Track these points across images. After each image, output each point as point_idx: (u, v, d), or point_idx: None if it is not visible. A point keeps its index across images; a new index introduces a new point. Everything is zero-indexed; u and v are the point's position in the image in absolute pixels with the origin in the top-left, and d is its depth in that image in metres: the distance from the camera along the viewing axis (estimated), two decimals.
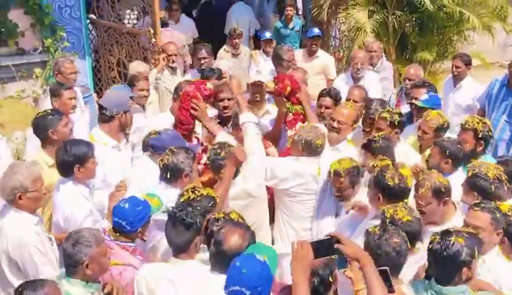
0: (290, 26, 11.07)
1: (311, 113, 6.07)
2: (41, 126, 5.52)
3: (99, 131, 5.86)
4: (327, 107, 6.49)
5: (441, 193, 4.56)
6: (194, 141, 5.83)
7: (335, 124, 5.96)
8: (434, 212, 4.58)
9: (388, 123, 5.82)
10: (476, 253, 3.58)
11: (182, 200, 4.34)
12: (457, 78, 8.17)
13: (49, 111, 5.72)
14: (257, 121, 5.69)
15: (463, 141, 5.60)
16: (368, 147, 5.39)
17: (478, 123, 5.69)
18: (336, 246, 3.15)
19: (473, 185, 4.77)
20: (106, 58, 9.91)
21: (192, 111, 5.60)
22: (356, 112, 6.25)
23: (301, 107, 6.10)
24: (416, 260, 4.13)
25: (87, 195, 5.01)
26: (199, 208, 4.13)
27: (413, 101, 6.58)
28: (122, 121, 5.85)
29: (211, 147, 5.29)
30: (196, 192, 4.37)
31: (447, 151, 5.31)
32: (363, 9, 10.43)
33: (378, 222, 4.29)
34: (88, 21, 10.02)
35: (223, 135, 5.49)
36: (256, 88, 6.68)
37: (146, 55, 9.27)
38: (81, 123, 6.80)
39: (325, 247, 3.18)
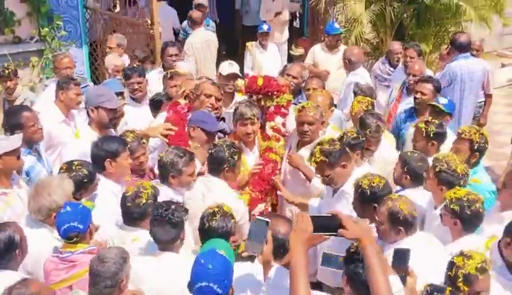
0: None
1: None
2: None
3: (87, 127, 5.78)
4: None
5: (397, 221, 4.29)
6: None
7: None
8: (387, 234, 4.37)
9: (424, 135, 5.69)
10: None
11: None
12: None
13: None
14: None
15: (457, 151, 5.41)
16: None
17: (475, 133, 5.44)
18: (339, 231, 3.15)
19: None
20: (102, 47, 9.86)
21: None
22: (329, 97, 6.47)
23: (282, 98, 6.00)
24: None
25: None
26: (181, 204, 4.25)
27: (434, 102, 6.44)
28: (94, 116, 5.68)
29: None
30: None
31: (407, 166, 5.17)
32: (360, 0, 10.41)
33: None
34: (85, 9, 9.98)
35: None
36: (230, 80, 6.58)
37: (143, 45, 9.26)
38: (82, 117, 6.55)
39: (325, 224, 3.19)
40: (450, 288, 3.59)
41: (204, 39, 9.69)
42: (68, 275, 4.02)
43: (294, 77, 7.05)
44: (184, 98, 6.13)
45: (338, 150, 4.84)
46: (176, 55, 8.05)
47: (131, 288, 4.02)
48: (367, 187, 4.55)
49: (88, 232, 4.19)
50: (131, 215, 4.46)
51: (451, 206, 4.41)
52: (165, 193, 4.83)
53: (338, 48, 9.38)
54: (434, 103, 6.42)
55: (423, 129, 5.70)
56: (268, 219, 3.38)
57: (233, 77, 6.59)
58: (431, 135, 5.65)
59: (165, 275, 4.05)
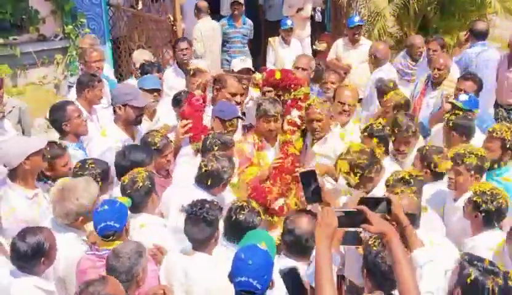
0: None
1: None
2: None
3: (113, 125, 5.86)
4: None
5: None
6: None
7: (346, 107, 6.14)
8: None
9: (445, 124, 5.70)
10: None
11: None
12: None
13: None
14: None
15: (487, 149, 5.29)
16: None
17: (507, 131, 5.33)
18: (362, 226, 3.15)
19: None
20: (126, 44, 9.92)
21: None
22: (357, 91, 6.56)
23: (299, 91, 6.01)
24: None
25: None
26: (215, 203, 4.22)
27: (453, 100, 6.34)
28: (122, 113, 5.78)
29: None
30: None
31: (427, 161, 5.13)
32: None
33: None
34: (108, 7, 10.04)
35: None
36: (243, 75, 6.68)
37: (166, 41, 9.29)
38: (108, 114, 6.61)
39: (350, 219, 3.18)
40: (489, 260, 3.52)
41: (211, 27, 9.74)
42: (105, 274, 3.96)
43: (304, 69, 6.98)
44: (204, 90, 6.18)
45: (364, 164, 4.73)
46: (186, 48, 8.06)
47: (164, 283, 4.11)
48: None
49: (124, 230, 4.16)
50: (133, 201, 4.46)
51: (474, 198, 4.37)
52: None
53: (361, 42, 9.33)
54: (453, 101, 6.29)
55: (446, 119, 5.71)
56: (311, 169, 3.49)
57: (245, 72, 6.64)
58: (451, 125, 5.63)
59: (195, 275, 4.05)
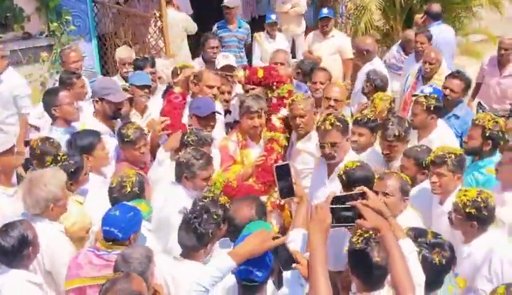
0: None
1: None
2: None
3: (93, 119, 5.90)
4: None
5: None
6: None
7: (332, 102, 6.17)
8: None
9: (424, 108, 5.78)
10: None
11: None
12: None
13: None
14: None
15: (469, 137, 5.45)
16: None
17: (489, 121, 5.36)
18: (358, 222, 3.13)
19: None
20: (112, 40, 9.86)
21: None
22: (345, 88, 6.66)
23: (283, 89, 6.05)
24: None
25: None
26: (215, 216, 4.08)
27: (418, 93, 6.35)
28: (99, 107, 5.87)
29: None
30: None
31: (422, 162, 5.10)
32: None
33: None
34: (93, 3, 9.98)
35: None
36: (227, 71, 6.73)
37: (152, 37, 9.26)
38: (90, 111, 6.49)
39: (344, 214, 3.15)
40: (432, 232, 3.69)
41: (175, 20, 9.58)
42: (100, 274, 3.95)
43: (281, 64, 7.00)
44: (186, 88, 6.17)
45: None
46: (216, 47, 8.04)
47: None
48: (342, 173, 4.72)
49: (129, 241, 4.06)
50: None
51: (466, 210, 4.28)
52: (177, 193, 4.82)
53: (331, 34, 9.34)
54: (418, 93, 6.30)
55: (424, 103, 5.77)
56: (286, 162, 3.57)
57: (228, 69, 6.63)
58: (432, 108, 5.75)
59: (180, 281, 3.95)
